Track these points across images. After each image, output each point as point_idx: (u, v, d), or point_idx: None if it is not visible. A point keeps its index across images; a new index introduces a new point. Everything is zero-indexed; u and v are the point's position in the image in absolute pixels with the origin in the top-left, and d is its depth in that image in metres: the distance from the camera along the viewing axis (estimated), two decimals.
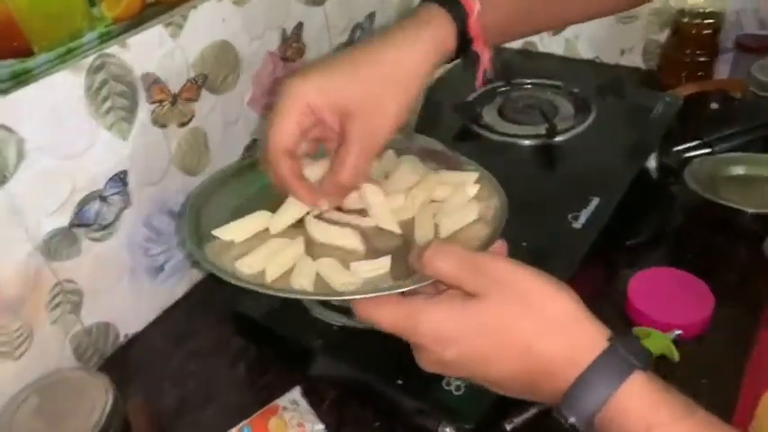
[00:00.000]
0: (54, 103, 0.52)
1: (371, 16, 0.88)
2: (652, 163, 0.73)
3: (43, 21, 0.50)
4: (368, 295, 0.38)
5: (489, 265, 0.35)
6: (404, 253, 0.41)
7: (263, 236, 0.45)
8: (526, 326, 0.34)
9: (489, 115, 0.82)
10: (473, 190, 0.49)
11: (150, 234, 0.64)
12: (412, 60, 0.45)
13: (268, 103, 0.73)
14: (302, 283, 0.40)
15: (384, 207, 0.46)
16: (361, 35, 0.87)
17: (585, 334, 0.34)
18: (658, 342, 0.57)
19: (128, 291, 0.64)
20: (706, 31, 0.90)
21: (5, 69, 0.49)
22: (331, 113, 0.43)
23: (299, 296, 0.45)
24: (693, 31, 0.91)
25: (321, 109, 0.43)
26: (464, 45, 0.48)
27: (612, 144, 0.74)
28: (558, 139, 0.75)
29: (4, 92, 0.49)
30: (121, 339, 0.66)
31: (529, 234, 0.62)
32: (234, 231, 0.45)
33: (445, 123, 0.83)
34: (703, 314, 0.59)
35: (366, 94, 0.43)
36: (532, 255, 0.60)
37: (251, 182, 0.50)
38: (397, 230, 0.45)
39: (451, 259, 0.36)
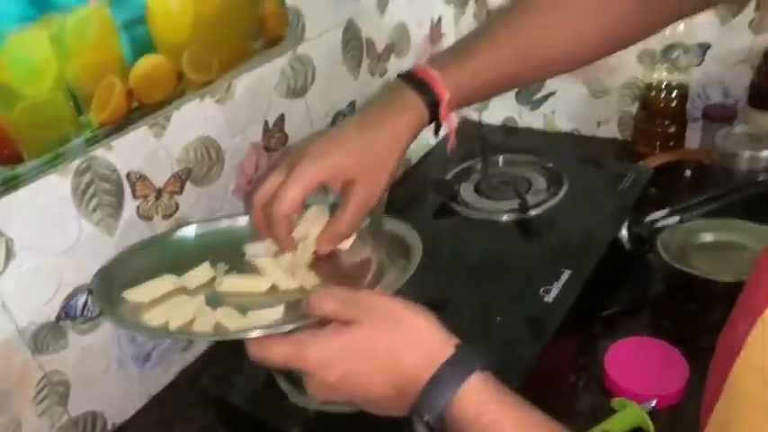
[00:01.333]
0: (42, 204, 0.56)
1: (352, 104, 0.93)
2: (624, 233, 0.75)
3: (33, 129, 0.54)
4: (259, 334, 0.43)
5: (361, 298, 0.42)
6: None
7: (169, 296, 0.50)
8: (390, 341, 0.40)
9: (466, 192, 0.85)
10: (347, 243, 0.55)
11: None
12: (397, 141, 0.54)
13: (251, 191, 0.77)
14: (203, 328, 0.45)
15: (274, 266, 0.52)
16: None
17: (437, 343, 0.40)
18: (634, 414, 0.58)
19: (115, 379, 0.66)
20: (673, 103, 0.94)
21: None
22: (336, 183, 0.52)
23: (196, 338, 0.57)
24: (662, 104, 0.95)
25: (330, 182, 0.52)
26: (436, 119, 0.56)
27: (584, 216, 0.77)
28: (532, 213, 0.78)
29: (4, 195, 0.52)
30: (109, 428, 0.67)
31: (502, 309, 0.64)
32: (142, 293, 0.50)
33: (426, 202, 0.86)
34: (678, 384, 0.60)
35: (364, 169, 0.53)
36: (505, 329, 0.62)
37: (161, 250, 0.57)
38: (292, 285, 0.50)
39: (331, 298, 0.42)
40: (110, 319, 0.50)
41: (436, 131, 0.58)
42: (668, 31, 0.90)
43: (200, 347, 0.74)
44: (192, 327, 0.46)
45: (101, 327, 0.63)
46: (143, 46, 0.62)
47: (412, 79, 0.55)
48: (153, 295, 0.49)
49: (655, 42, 0.94)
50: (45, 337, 0.58)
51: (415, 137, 0.56)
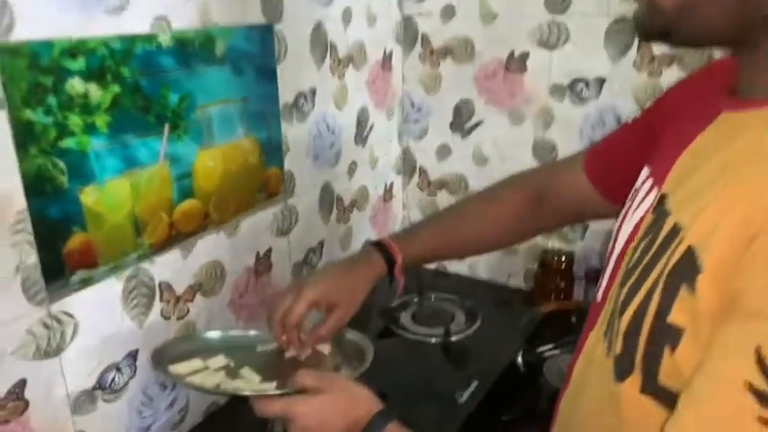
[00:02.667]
0: (101, 299, 0.77)
1: (321, 243, 1.19)
2: (519, 360, 1.00)
3: (107, 245, 0.77)
4: (265, 393, 0.66)
5: (329, 377, 0.64)
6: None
7: (198, 372, 0.71)
8: (345, 404, 0.61)
9: (405, 319, 1.10)
10: (326, 348, 0.79)
11: (145, 399, 0.85)
12: (365, 282, 0.78)
13: (242, 304, 0.99)
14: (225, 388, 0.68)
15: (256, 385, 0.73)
16: (313, 257, 1.17)
17: (373, 405, 0.60)
18: None
19: None
20: (563, 265, 1.25)
21: (78, 277, 0.74)
22: (324, 304, 0.75)
23: (226, 394, 0.76)
24: (555, 265, 1.25)
25: (321, 302, 0.74)
26: (391, 273, 0.80)
27: (491, 343, 1.03)
28: (453, 339, 1.03)
29: (76, 290, 0.73)
30: None
31: (426, 407, 0.87)
32: (181, 368, 0.71)
33: (373, 324, 1.11)
34: None
35: (343, 297, 0.76)
36: (429, 420, 0.84)
37: (193, 343, 0.80)
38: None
39: (309, 376, 0.63)
40: (169, 377, 0.71)
41: (390, 282, 0.82)
42: None
43: (190, 422, 0.92)
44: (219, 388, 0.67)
45: (120, 399, 0.81)
46: (186, 192, 0.87)
47: (378, 245, 0.80)
48: (188, 370, 0.70)
49: None
50: (82, 401, 0.76)
51: (377, 282, 0.80)
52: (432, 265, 1.45)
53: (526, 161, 1.28)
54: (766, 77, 0.43)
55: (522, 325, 1.07)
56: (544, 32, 1.19)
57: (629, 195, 0.57)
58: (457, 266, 1.43)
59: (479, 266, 1.41)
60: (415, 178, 1.45)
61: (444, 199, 1.42)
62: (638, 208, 0.53)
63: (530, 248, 1.32)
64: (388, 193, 1.42)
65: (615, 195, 0.64)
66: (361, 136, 1.27)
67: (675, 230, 0.42)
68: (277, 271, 1.07)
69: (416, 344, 1.04)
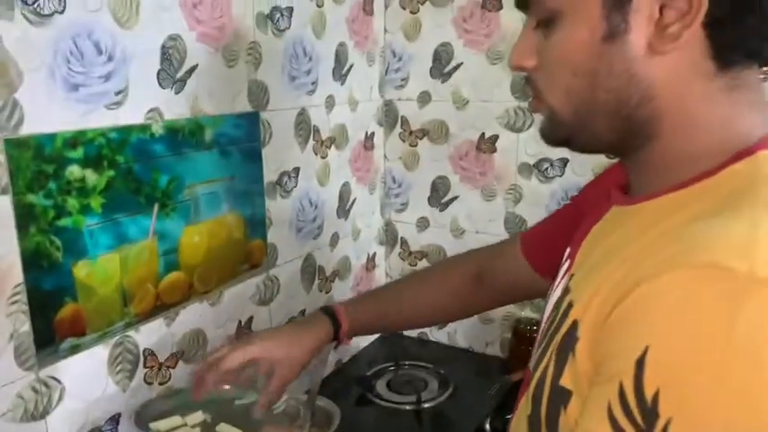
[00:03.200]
0: (88, 365, 0.83)
1: (303, 312, 1.25)
2: (487, 426, 1.04)
3: (96, 314, 0.84)
4: None
5: None
6: None
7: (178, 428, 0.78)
8: None
9: (381, 387, 1.15)
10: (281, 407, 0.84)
11: None
12: (310, 344, 0.82)
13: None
14: None
15: None
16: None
17: None
18: None
19: None
20: (536, 334, 1.30)
21: (67, 344, 0.80)
22: (266, 362, 0.79)
23: None
24: (527, 334, 1.31)
25: (263, 358, 0.78)
26: (336, 338, 0.85)
27: (461, 410, 1.07)
28: (425, 405, 1.08)
29: (65, 357, 0.80)
30: None
31: None
32: (161, 425, 0.77)
33: (350, 391, 1.15)
34: None
35: (286, 355, 0.79)
36: None
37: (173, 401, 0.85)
38: None
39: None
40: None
41: (336, 347, 0.87)
42: None
43: None
44: None
45: None
46: (172, 265, 0.94)
47: (326, 310, 0.86)
48: (168, 427, 0.75)
49: None
50: None
51: (323, 344, 0.83)
52: (413, 333, 1.51)
53: (499, 233, 1.36)
54: (649, 175, 0.51)
55: (492, 392, 1.11)
56: (511, 117, 1.29)
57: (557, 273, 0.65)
58: (437, 335, 1.48)
59: (458, 335, 1.46)
60: (397, 248, 1.53)
61: None
62: (559, 285, 0.60)
63: (505, 317, 1.38)
64: (370, 263, 1.49)
65: (551, 274, 0.71)
66: (344, 209, 1.36)
67: (570, 306, 0.49)
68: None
69: (391, 411, 1.09)
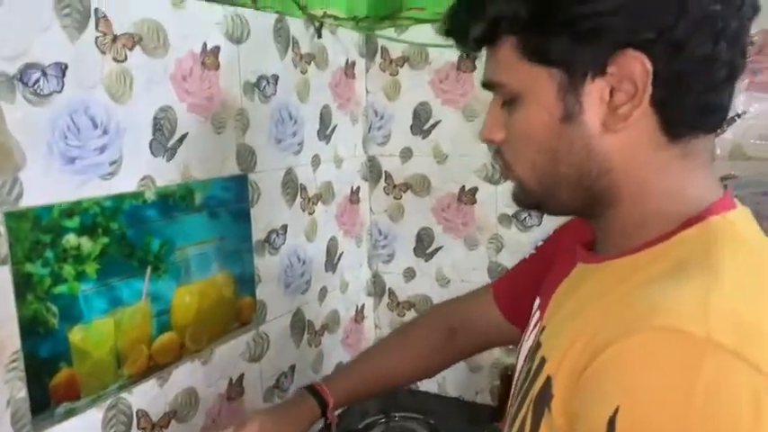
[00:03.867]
0: (82, 428, 0.84)
1: (293, 367, 1.27)
2: None
3: (90, 378, 0.86)
4: None
5: None
6: None
7: None
8: None
9: None
10: None
11: None
12: (298, 424, 0.85)
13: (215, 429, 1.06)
14: None
15: None
16: (285, 381, 1.24)
17: None
18: None
19: None
20: None
21: (62, 409, 0.82)
22: None
23: None
24: None
25: None
26: (324, 415, 0.87)
27: None
28: None
29: (59, 422, 0.81)
30: None
31: None
32: None
33: None
34: None
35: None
36: None
37: None
38: None
39: None
40: None
41: (325, 423, 0.89)
42: None
43: None
44: None
45: None
46: (164, 326, 0.97)
47: (311, 390, 0.88)
48: None
49: None
50: None
51: (312, 424, 0.87)
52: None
53: (483, 282, 1.38)
54: (612, 238, 0.55)
55: None
56: (489, 170, 1.35)
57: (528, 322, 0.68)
58: (428, 384, 1.50)
59: (448, 384, 1.48)
60: (385, 299, 1.56)
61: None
62: (530, 335, 0.63)
63: (493, 365, 1.41)
64: (359, 315, 1.52)
65: (521, 322, 0.72)
66: (332, 263, 1.39)
67: (542, 362, 0.52)
68: (249, 396, 1.14)
69: None
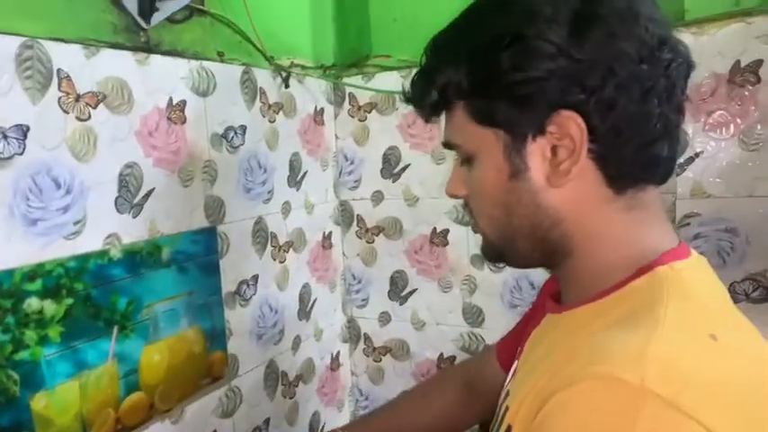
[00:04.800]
0: None
1: (268, 420, 1.24)
2: None
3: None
4: None
5: None
6: None
7: None
8: None
9: None
10: None
11: None
12: None
13: None
14: None
15: None
16: None
17: None
18: None
19: None
20: None
21: None
22: None
23: None
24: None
25: None
26: None
27: None
28: None
29: None
30: None
31: None
32: None
33: None
34: None
35: None
36: None
37: None
38: None
39: None
40: None
41: None
42: None
43: None
44: None
45: None
46: (132, 386, 0.94)
47: None
48: None
49: None
50: None
51: None
52: None
53: (458, 323, 1.39)
54: (571, 287, 0.57)
55: None
56: (459, 212, 1.36)
57: None
58: None
59: None
60: (361, 345, 1.54)
61: (389, 362, 1.50)
62: (506, 385, 0.64)
63: None
64: (335, 362, 1.50)
65: None
66: (305, 311, 1.38)
67: (506, 410, 0.53)
68: None
69: None
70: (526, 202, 0.53)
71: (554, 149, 0.51)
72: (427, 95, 0.57)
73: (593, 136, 0.49)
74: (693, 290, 0.50)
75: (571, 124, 0.49)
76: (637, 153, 0.51)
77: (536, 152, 0.52)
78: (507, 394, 0.57)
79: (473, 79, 0.53)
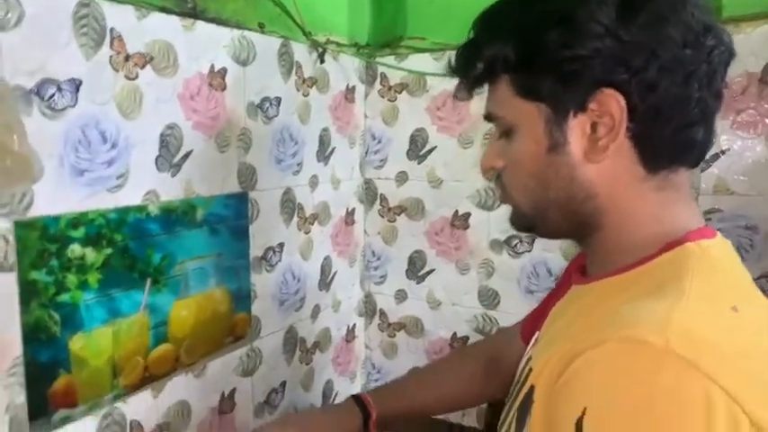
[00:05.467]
0: None
1: (283, 384, 1.28)
2: None
3: (86, 386, 0.87)
4: None
5: None
6: None
7: None
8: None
9: None
10: None
11: None
12: (343, 429, 0.87)
13: None
14: None
15: None
16: (275, 397, 1.26)
17: None
18: None
19: None
20: None
21: (59, 416, 0.83)
22: None
23: None
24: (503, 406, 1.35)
25: None
26: (366, 426, 0.89)
27: None
28: None
29: (56, 428, 0.82)
30: None
31: None
32: None
33: None
34: None
35: None
36: None
37: None
38: None
39: None
40: None
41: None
42: None
43: None
44: None
45: None
46: (161, 338, 0.99)
47: (356, 399, 0.90)
48: None
49: None
50: None
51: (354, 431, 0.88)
52: None
53: (473, 305, 1.42)
54: (598, 260, 0.59)
55: None
56: (482, 196, 1.38)
57: None
58: None
59: None
60: (376, 320, 1.58)
61: (403, 339, 1.54)
62: (528, 352, 0.67)
63: None
64: (350, 334, 1.54)
65: None
66: (325, 282, 1.42)
67: (529, 372, 0.55)
68: (240, 410, 1.16)
69: None
70: (563, 174, 0.56)
71: (594, 126, 0.53)
72: (473, 67, 0.59)
73: (633, 115, 0.52)
74: (719, 265, 0.52)
75: (612, 102, 0.52)
76: (673, 135, 0.53)
77: (576, 128, 0.54)
78: (530, 359, 0.60)
79: (521, 54, 0.55)
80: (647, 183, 0.55)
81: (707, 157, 1.09)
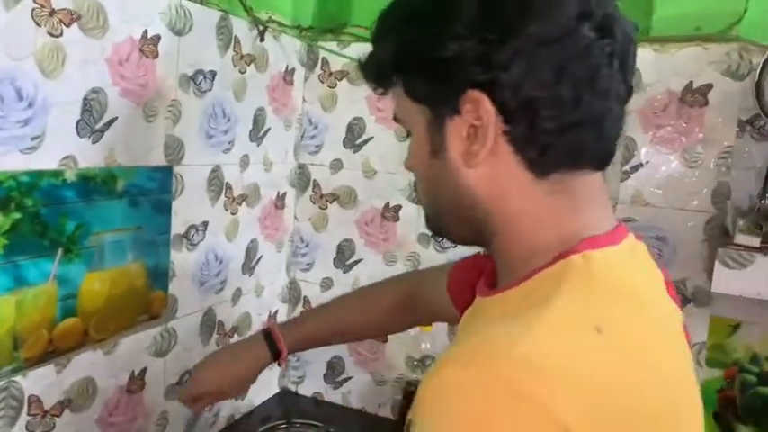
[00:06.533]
0: None
1: None
2: None
3: None
4: None
5: None
6: None
7: None
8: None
9: None
10: None
11: None
12: (251, 371, 0.95)
13: (111, 422, 1.03)
14: None
15: None
16: (188, 379, 1.23)
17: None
18: None
19: None
20: None
21: None
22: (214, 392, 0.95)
23: None
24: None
25: (211, 392, 0.95)
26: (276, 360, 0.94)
27: None
28: None
29: None
30: None
31: None
32: None
33: None
34: None
35: (233, 387, 0.96)
36: None
37: None
38: None
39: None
40: None
41: (279, 364, 0.96)
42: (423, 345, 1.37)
43: None
44: None
45: None
46: (69, 311, 0.94)
47: (267, 335, 0.93)
48: None
49: (415, 351, 1.40)
50: None
51: (263, 368, 0.95)
52: (308, 393, 1.53)
53: None
54: (501, 269, 0.57)
55: None
56: (413, 190, 1.39)
57: None
58: (332, 395, 1.52)
59: (352, 396, 1.50)
60: (299, 307, 1.57)
61: None
62: None
63: (397, 379, 1.44)
64: (272, 320, 1.52)
65: (460, 308, 0.70)
66: (249, 266, 1.39)
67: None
68: (149, 390, 1.12)
69: None
70: (445, 179, 0.54)
71: (471, 129, 0.51)
72: (370, 67, 0.58)
73: (507, 117, 0.49)
74: (601, 279, 0.49)
75: (480, 104, 0.49)
76: (555, 138, 0.50)
77: (454, 131, 0.52)
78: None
79: (396, 55, 0.54)
80: (538, 187, 0.52)
81: (627, 168, 1.16)
